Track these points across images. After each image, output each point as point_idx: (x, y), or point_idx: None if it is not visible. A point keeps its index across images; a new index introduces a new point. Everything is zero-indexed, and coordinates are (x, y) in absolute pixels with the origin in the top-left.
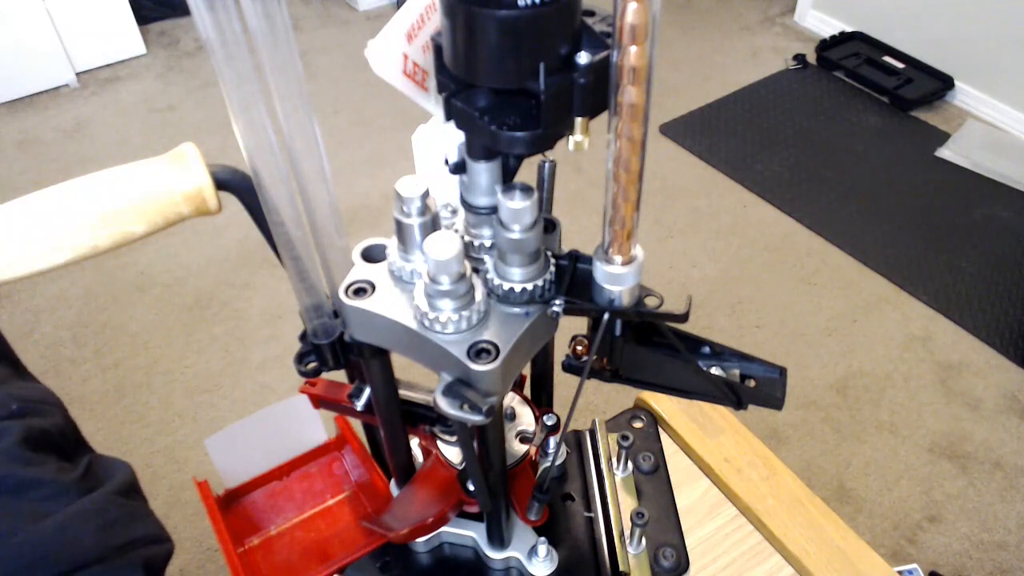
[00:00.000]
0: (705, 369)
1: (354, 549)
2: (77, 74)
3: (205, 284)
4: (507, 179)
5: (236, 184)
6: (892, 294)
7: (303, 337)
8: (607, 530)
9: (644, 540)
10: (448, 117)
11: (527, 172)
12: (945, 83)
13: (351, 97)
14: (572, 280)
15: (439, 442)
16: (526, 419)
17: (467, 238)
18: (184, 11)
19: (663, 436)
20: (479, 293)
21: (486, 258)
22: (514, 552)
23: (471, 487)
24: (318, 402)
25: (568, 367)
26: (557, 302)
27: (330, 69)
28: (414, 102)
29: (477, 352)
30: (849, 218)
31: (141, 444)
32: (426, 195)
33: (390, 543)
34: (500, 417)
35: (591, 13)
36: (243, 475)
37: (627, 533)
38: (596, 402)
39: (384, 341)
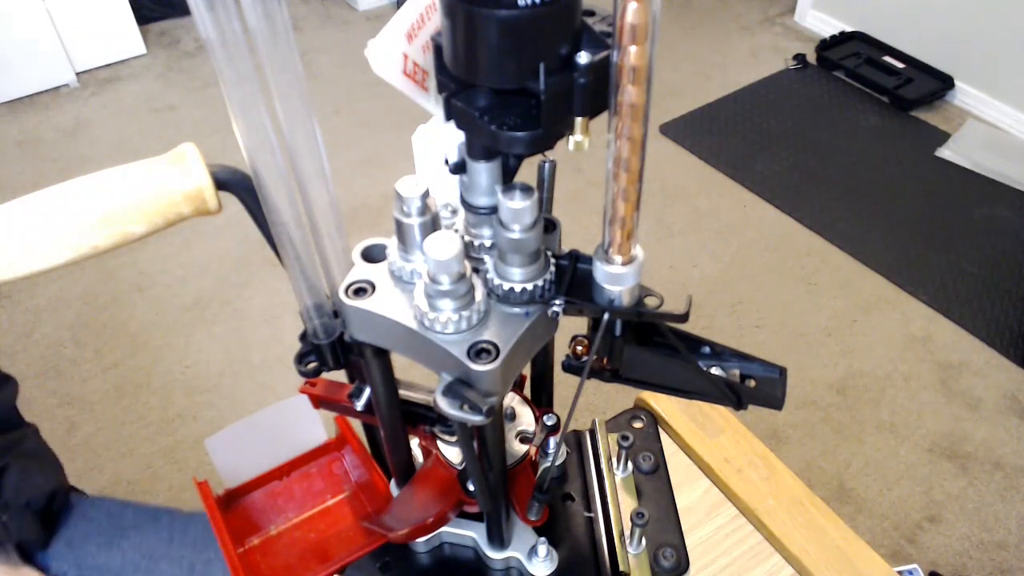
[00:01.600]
0: (705, 369)
1: (354, 549)
2: (77, 74)
3: (205, 284)
4: (507, 179)
5: (236, 184)
6: (892, 294)
7: (303, 337)
8: (607, 530)
9: (644, 540)
10: (448, 117)
11: (527, 172)
12: (945, 83)
13: (351, 97)
14: (572, 280)
15: (439, 442)
16: (526, 419)
17: (467, 238)
18: (184, 11)
19: (663, 436)
20: (479, 293)
21: (486, 258)
22: (514, 552)
23: (471, 487)
24: (318, 402)
25: (568, 367)
26: (557, 302)
27: (330, 69)
28: (414, 102)
29: (477, 352)
30: (849, 218)
31: (141, 444)
32: (426, 195)
33: (390, 543)
34: (500, 417)
35: (591, 13)
36: (243, 475)
37: (627, 533)
38: (596, 402)
39: (384, 341)
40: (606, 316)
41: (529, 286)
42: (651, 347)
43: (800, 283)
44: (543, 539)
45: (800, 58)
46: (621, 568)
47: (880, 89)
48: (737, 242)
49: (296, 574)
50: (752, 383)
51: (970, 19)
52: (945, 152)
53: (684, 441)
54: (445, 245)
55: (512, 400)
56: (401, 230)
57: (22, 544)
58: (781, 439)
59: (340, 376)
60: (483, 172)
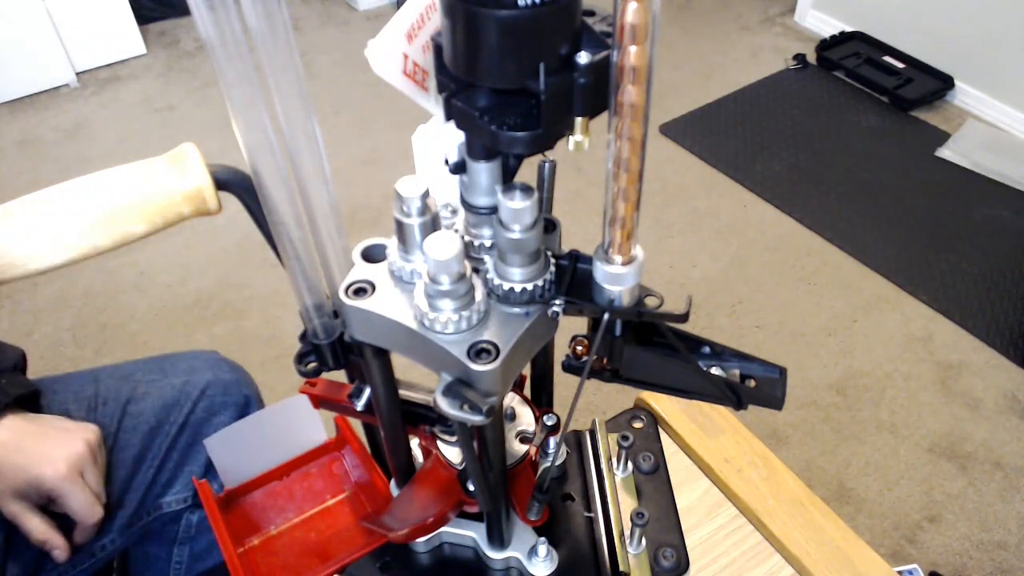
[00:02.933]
0: (705, 369)
1: (354, 549)
2: (77, 74)
3: (205, 284)
4: (507, 179)
5: (236, 184)
6: (892, 294)
7: (303, 337)
8: (607, 530)
9: (644, 540)
10: (448, 117)
11: (527, 172)
12: (945, 83)
13: (351, 97)
14: (572, 280)
15: (439, 442)
16: (526, 419)
17: (467, 238)
18: (184, 11)
19: (663, 436)
20: (479, 293)
21: (486, 258)
22: (514, 552)
23: (471, 487)
24: (318, 402)
25: (568, 367)
26: (557, 302)
27: (330, 69)
28: (414, 102)
29: (477, 352)
30: (849, 218)
31: None
32: (426, 195)
33: (390, 543)
34: (500, 417)
35: (591, 13)
36: (243, 475)
37: (627, 533)
38: (596, 402)
39: (384, 341)
40: (606, 316)
41: (529, 286)
42: (651, 347)
43: (800, 283)
44: (543, 539)
45: (800, 58)
46: (621, 568)
47: (880, 89)
48: (737, 242)
49: (296, 574)
50: (752, 383)
51: (970, 19)
52: (945, 152)
53: (684, 441)
54: (445, 245)
55: (512, 400)
56: (401, 230)
57: (24, 401)
58: (781, 439)
59: (340, 376)
60: (483, 172)
